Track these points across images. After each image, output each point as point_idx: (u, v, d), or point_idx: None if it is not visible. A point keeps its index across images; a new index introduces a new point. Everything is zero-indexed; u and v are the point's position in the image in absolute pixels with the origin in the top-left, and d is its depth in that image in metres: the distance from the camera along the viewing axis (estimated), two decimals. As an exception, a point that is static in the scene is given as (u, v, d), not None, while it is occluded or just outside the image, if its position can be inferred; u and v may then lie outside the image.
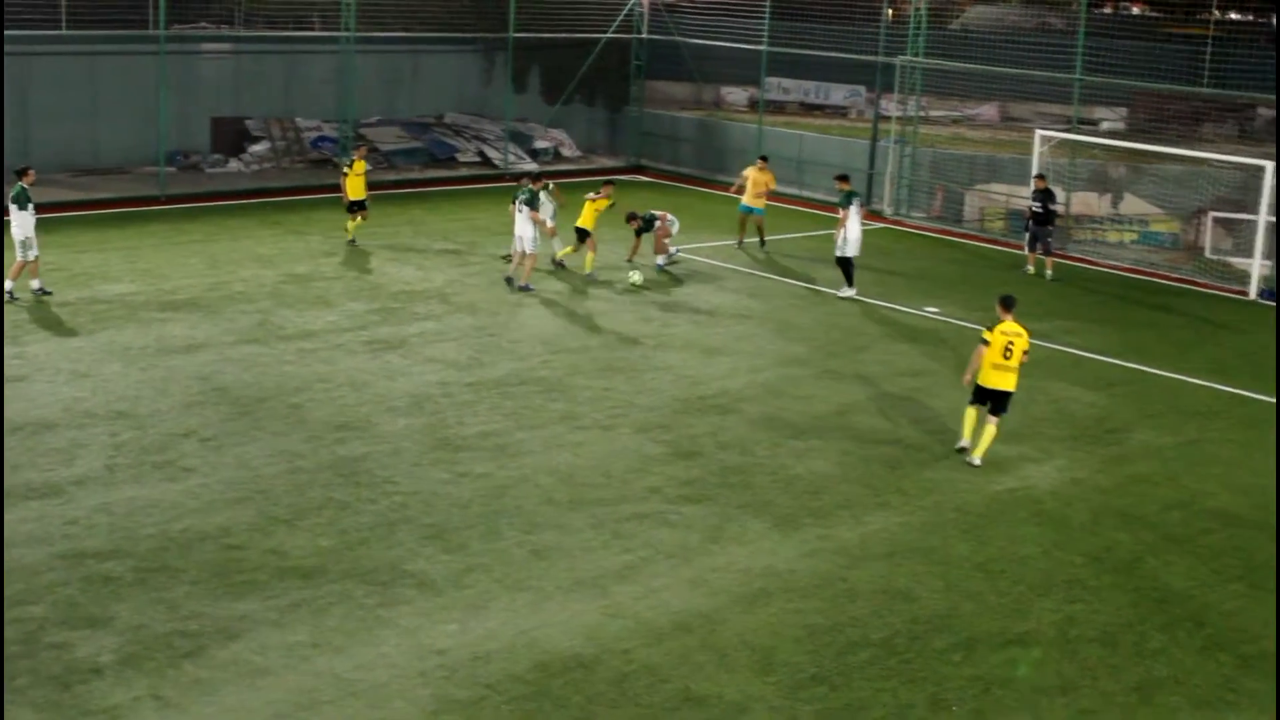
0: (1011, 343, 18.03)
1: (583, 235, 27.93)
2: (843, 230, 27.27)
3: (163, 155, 34.71)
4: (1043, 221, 30.11)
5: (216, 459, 17.11)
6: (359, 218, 29.61)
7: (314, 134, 39.26)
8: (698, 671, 12.65)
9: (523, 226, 26.33)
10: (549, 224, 28.30)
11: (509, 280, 26.69)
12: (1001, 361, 18.06)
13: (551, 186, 28.90)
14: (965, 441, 18.60)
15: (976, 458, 18.26)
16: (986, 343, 18.11)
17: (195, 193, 34.39)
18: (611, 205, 28.54)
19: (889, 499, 17.03)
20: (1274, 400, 21.84)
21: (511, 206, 27.05)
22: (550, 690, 12.21)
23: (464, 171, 39.89)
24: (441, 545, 15.02)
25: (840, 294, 27.22)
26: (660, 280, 27.74)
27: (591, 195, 28.08)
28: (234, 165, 37.66)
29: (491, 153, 40.96)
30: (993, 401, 18.25)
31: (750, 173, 31.70)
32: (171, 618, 13.09)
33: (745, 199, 31.53)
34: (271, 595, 13.67)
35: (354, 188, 29.38)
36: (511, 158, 40.78)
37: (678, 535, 15.59)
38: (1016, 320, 18.26)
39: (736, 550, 15.30)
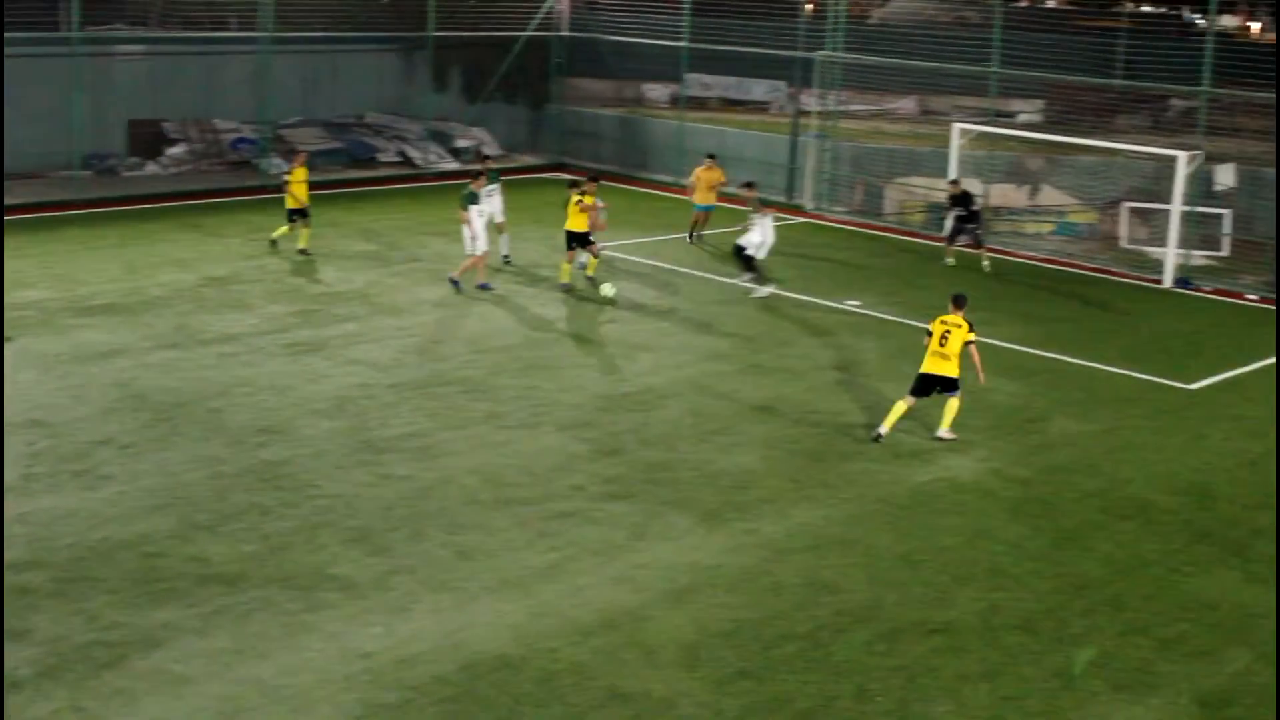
0: (949, 331, 18.77)
1: (574, 240, 26.63)
2: (759, 233, 27.26)
3: (78, 159, 34.28)
4: (968, 220, 30.36)
5: (135, 466, 16.92)
6: (301, 226, 28.60)
7: (233, 136, 38.90)
8: (624, 668, 12.67)
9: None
10: (499, 219, 28.42)
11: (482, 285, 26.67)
12: (938, 349, 18.85)
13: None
14: (883, 429, 18.96)
15: (944, 430, 19.08)
16: (930, 334, 18.99)
17: (111, 196, 33.95)
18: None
19: (813, 492, 17.13)
20: (1187, 386, 22.19)
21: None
22: (477, 691, 12.18)
23: (385, 172, 39.70)
24: (365, 548, 14.94)
25: (758, 294, 26.89)
26: (579, 277, 27.70)
27: (577, 197, 26.55)
28: (151, 168, 37.24)
29: (412, 152, 40.78)
30: (941, 386, 19.00)
31: (699, 172, 31.87)
32: (91, 628, 12.94)
33: (697, 198, 31.75)
34: (193, 603, 13.55)
35: (300, 195, 28.50)
36: (433, 157, 40.63)
37: (602, 533, 15.61)
38: (964, 316, 18.97)
39: (661, 546, 15.34)
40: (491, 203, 28.12)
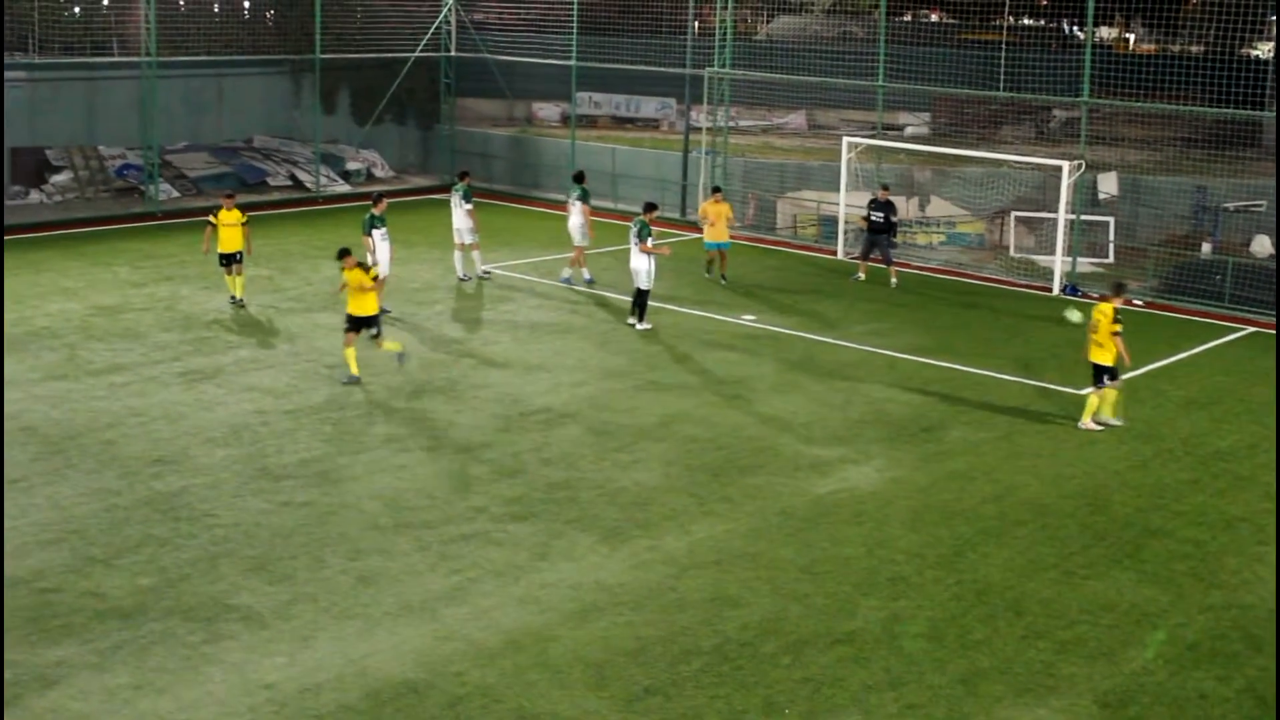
0: (1099, 320, 20.46)
1: (360, 323, 22.18)
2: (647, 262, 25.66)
3: (4, 187, 33.53)
4: (881, 230, 30.30)
5: (26, 500, 16.58)
6: (236, 272, 26.53)
7: (118, 162, 38.33)
8: (531, 690, 12.62)
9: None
10: (470, 238, 29.11)
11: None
12: (1093, 336, 20.60)
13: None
14: (1111, 420, 20.77)
15: (1112, 419, 20.73)
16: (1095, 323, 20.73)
17: (-6, 226, 33.33)
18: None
19: (714, 507, 17.18)
20: (1078, 391, 22.56)
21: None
22: (382, 718, 12.06)
23: (276, 195, 39.33)
24: (266, 577, 14.76)
25: (638, 328, 25.75)
26: (475, 297, 27.62)
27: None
28: (35, 197, 36.60)
29: (303, 175, 40.45)
30: (1101, 374, 20.61)
31: (705, 207, 30.19)
32: (-16, 667, 12.67)
33: (707, 235, 29.86)
34: (90, 638, 13.30)
35: (227, 239, 26.28)
36: (324, 180, 40.32)
37: (505, 554, 15.55)
38: (1115, 306, 20.58)
39: (565, 566, 15.31)
40: (460, 218, 28.99)
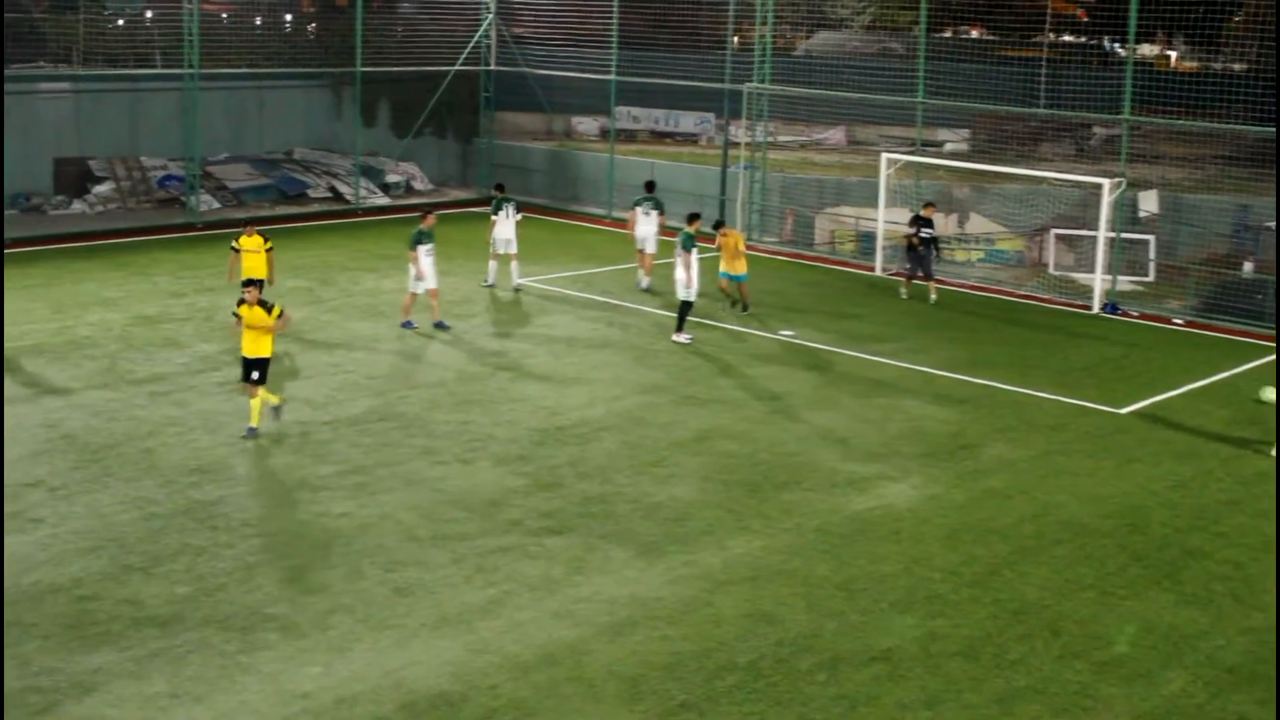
0: None
1: (254, 367, 20.01)
2: (687, 272, 25.69)
3: (3, 198, 33.85)
4: (927, 244, 30.05)
5: (66, 508, 16.70)
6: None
7: (160, 173, 38.60)
8: (566, 704, 12.61)
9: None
10: (513, 248, 29.36)
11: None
12: None
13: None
14: None
15: None
16: None
17: (37, 235, 33.61)
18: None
19: (750, 523, 17.15)
20: (1117, 410, 22.44)
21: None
22: (417, 730, 12.09)
23: (316, 207, 39.54)
24: (302, 587, 14.81)
25: (676, 339, 25.83)
26: (513, 310, 27.67)
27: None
28: (78, 206, 36.91)
29: (343, 188, 40.65)
30: None
31: (719, 241, 28.81)
32: (23, 674, 12.72)
33: (723, 266, 28.46)
34: (127, 646, 13.37)
35: (250, 266, 25.09)
36: (363, 192, 40.51)
37: (541, 567, 15.56)
38: None
39: (600, 580, 15.30)
40: (510, 229, 29.35)
